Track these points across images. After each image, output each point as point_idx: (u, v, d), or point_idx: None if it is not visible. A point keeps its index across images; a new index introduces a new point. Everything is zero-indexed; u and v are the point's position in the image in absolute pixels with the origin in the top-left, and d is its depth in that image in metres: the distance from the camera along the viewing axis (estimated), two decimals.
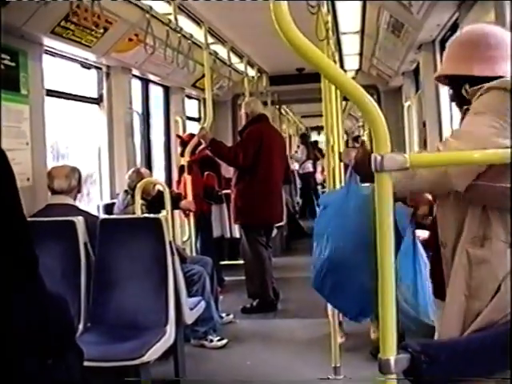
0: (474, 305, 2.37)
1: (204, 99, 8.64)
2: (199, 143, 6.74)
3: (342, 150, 7.58)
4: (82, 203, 5.71)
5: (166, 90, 8.50)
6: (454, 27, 5.83)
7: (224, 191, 7.73)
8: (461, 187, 2.21)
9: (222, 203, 7.92)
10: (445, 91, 6.81)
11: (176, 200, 6.23)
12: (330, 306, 5.16)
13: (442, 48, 6.76)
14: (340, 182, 6.46)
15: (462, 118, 2.41)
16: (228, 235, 8.11)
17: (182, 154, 7.04)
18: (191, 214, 6.91)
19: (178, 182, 7.41)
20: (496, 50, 2.37)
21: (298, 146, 17.60)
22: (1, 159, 1.64)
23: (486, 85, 2.26)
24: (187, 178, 7.00)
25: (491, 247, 2.32)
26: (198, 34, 6.81)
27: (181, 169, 7.20)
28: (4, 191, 1.63)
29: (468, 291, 2.38)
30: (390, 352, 1.61)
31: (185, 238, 7.30)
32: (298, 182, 14.31)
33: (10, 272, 1.63)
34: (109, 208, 5.86)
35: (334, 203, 3.30)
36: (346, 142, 14.34)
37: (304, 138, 16.48)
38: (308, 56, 1.63)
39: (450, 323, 2.49)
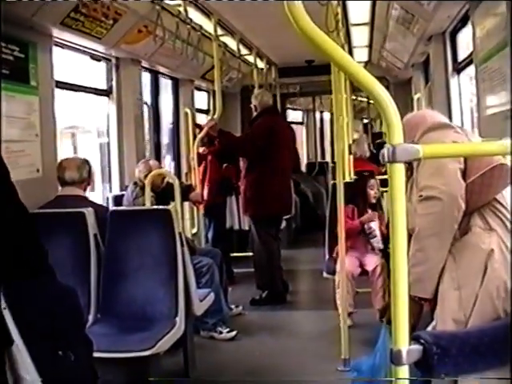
0: (467, 293, 2.47)
1: (213, 91, 8.66)
2: (210, 134, 6.76)
3: (350, 142, 7.62)
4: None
5: (176, 82, 8.49)
6: (465, 19, 5.80)
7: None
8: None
9: (231, 195, 7.91)
10: (455, 83, 6.80)
11: (185, 192, 6.23)
12: (338, 297, 5.19)
13: (453, 40, 6.73)
14: (349, 174, 6.48)
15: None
16: (237, 227, 8.10)
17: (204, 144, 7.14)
18: (204, 206, 6.97)
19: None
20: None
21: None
22: None
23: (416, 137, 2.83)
24: (197, 169, 7.05)
25: (471, 233, 2.62)
26: (208, 25, 6.80)
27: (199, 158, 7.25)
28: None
29: (457, 283, 2.49)
30: (402, 343, 1.60)
31: (194, 231, 7.32)
32: None
33: (14, 270, 1.64)
34: (118, 199, 5.87)
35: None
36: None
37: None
38: (320, 46, 1.62)
39: (446, 320, 2.54)
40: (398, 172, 1.58)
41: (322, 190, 11.41)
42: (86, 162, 4.79)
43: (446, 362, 1.83)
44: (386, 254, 5.24)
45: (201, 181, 7.17)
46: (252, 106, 6.95)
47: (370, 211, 5.64)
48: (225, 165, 7.37)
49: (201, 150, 7.33)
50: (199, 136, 7.06)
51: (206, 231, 7.42)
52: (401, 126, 1.59)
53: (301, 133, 14.64)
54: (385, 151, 1.57)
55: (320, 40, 1.62)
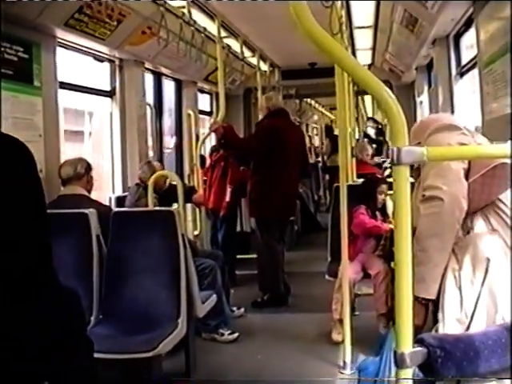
0: (468, 294, 2.47)
1: (216, 93, 8.66)
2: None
3: (353, 145, 7.61)
4: None
5: (179, 84, 8.49)
6: (469, 22, 5.79)
7: None
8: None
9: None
10: (459, 87, 6.79)
11: (188, 193, 6.22)
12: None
13: (456, 43, 6.73)
14: (352, 176, 6.47)
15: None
16: (239, 229, 8.10)
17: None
18: (223, 207, 6.99)
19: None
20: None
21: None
22: (24, 152, 1.63)
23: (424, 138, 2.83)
24: (200, 171, 7.05)
25: (473, 234, 2.63)
26: (211, 27, 6.81)
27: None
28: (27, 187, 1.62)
29: (459, 282, 2.50)
30: (406, 346, 1.60)
31: (196, 232, 7.31)
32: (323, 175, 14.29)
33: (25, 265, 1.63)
34: (121, 201, 5.87)
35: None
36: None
37: (329, 131, 16.08)
38: (325, 48, 1.62)
39: (449, 320, 2.54)
40: (403, 174, 1.57)
41: (309, 191, 11.56)
42: (83, 160, 4.79)
43: (449, 366, 1.82)
44: (390, 258, 5.20)
45: (208, 183, 7.19)
46: (263, 107, 6.90)
47: (378, 214, 5.58)
48: (242, 167, 7.34)
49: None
50: (202, 139, 7.09)
51: (215, 233, 7.41)
52: (406, 127, 1.58)
53: None
54: (389, 153, 1.56)
55: (325, 42, 1.62)
